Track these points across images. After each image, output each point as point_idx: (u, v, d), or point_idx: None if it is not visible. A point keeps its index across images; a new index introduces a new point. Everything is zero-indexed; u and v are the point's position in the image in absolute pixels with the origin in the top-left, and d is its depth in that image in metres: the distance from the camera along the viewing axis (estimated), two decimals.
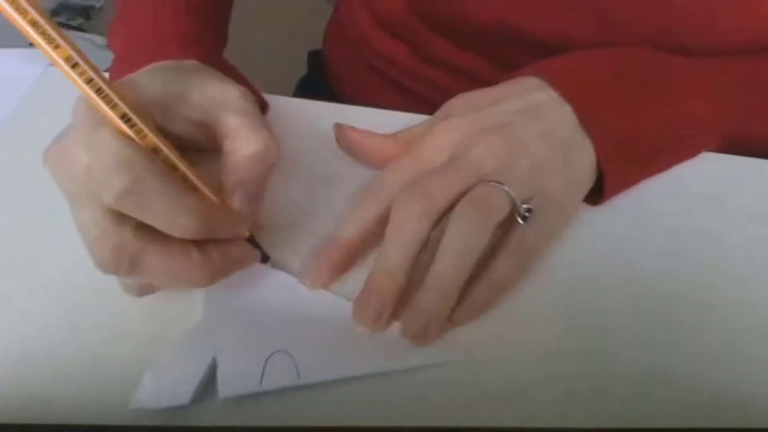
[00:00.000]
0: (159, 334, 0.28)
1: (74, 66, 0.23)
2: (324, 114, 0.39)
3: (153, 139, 0.25)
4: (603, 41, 0.38)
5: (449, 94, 0.49)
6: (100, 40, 1.38)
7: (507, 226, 0.30)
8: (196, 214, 0.25)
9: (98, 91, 0.24)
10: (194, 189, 0.27)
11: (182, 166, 0.26)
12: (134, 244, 0.25)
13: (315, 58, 0.65)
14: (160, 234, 0.25)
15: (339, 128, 0.35)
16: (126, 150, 0.24)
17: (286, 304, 0.29)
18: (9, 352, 0.28)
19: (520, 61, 0.42)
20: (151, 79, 0.29)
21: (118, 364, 0.28)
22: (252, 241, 0.29)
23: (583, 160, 0.33)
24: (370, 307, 0.28)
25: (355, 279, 0.30)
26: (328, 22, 0.63)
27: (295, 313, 0.29)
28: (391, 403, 0.27)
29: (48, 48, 0.22)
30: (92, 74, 0.23)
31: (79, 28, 1.46)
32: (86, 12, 1.53)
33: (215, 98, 0.29)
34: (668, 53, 0.36)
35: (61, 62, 0.23)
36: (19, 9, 0.21)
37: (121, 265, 0.25)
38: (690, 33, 0.38)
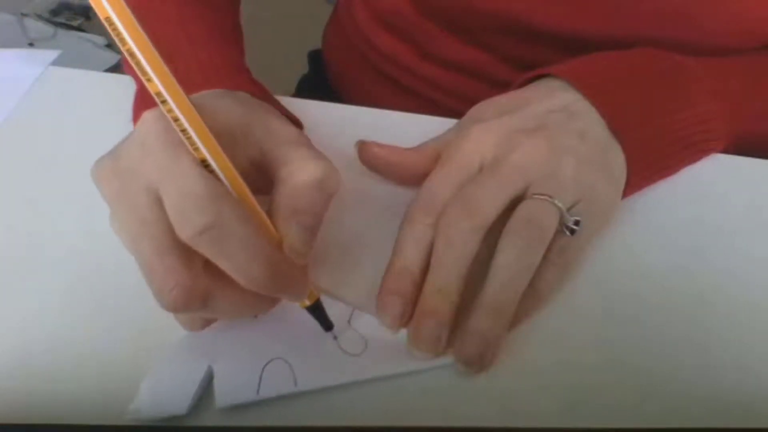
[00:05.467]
0: (159, 334, 0.28)
1: (163, 102, 0.22)
2: (324, 114, 0.39)
3: (229, 189, 0.24)
4: (608, 34, 0.38)
5: (450, 93, 0.49)
6: (100, 40, 1.38)
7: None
8: (269, 266, 0.23)
9: (183, 131, 0.23)
10: (270, 239, 0.25)
11: (261, 216, 0.25)
12: (206, 282, 0.23)
13: (315, 58, 0.65)
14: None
15: (363, 146, 0.34)
16: (209, 183, 0.22)
17: (282, 310, 0.29)
18: (9, 352, 0.28)
19: (525, 55, 0.42)
20: (220, 104, 0.27)
21: (117, 364, 0.28)
22: (316, 307, 0.27)
23: (618, 159, 0.33)
24: (428, 331, 0.27)
25: (351, 281, 0.30)
26: (327, 22, 0.63)
27: (291, 320, 0.28)
28: (390, 404, 0.27)
29: (142, 79, 0.22)
30: (178, 113, 0.22)
31: (79, 28, 1.47)
32: (86, 12, 1.53)
33: (273, 132, 0.27)
34: (680, 54, 0.36)
35: (153, 95, 0.22)
36: (119, 38, 0.21)
37: (192, 304, 0.23)
38: (681, 28, 0.38)
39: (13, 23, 1.40)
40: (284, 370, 0.27)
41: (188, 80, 0.33)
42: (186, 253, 0.23)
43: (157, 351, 0.27)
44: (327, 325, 0.28)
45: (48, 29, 1.40)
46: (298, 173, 0.25)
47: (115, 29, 0.21)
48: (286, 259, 0.25)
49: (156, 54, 0.21)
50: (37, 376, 0.27)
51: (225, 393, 0.26)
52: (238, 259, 0.23)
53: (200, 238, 0.22)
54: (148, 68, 0.21)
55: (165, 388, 0.26)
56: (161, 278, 0.23)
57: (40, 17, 1.46)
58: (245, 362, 0.27)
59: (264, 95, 0.34)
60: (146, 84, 0.22)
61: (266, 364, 0.27)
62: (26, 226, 0.33)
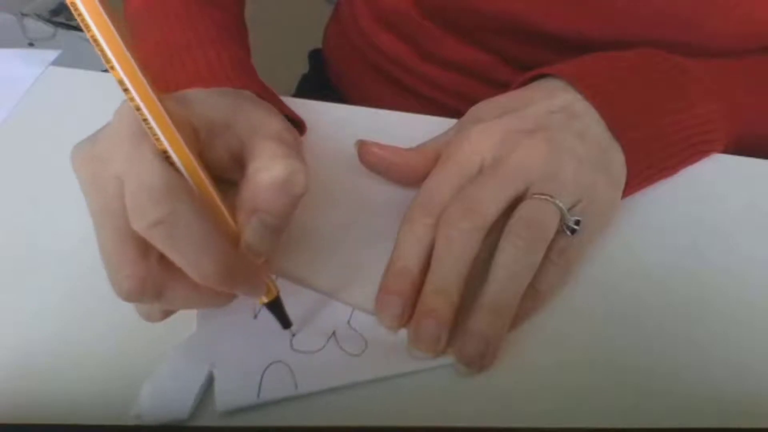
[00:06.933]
0: (159, 333, 0.28)
1: (125, 91, 0.22)
2: (324, 114, 0.39)
3: (189, 182, 0.24)
4: (609, 36, 0.38)
5: (451, 93, 0.49)
6: None
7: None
8: (220, 263, 0.23)
9: (144, 121, 0.23)
10: (225, 233, 0.25)
11: (220, 210, 0.25)
12: (160, 274, 0.23)
13: (316, 57, 0.65)
14: None
15: (363, 145, 0.34)
16: (167, 176, 0.22)
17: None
18: (9, 352, 0.28)
19: (526, 56, 0.42)
20: (207, 98, 0.27)
21: (117, 364, 0.28)
22: (275, 305, 0.27)
23: (618, 159, 0.33)
24: (428, 331, 0.27)
25: (352, 281, 0.30)
26: (328, 22, 0.63)
27: (291, 320, 0.28)
28: (390, 404, 0.27)
29: (107, 66, 0.22)
30: (140, 103, 0.22)
31: (79, 28, 1.46)
32: None
33: (254, 126, 0.27)
34: (681, 55, 0.36)
35: (117, 83, 0.22)
36: (83, 24, 0.21)
37: (145, 295, 0.23)
38: (682, 29, 0.38)
39: (13, 23, 1.39)
40: (284, 373, 0.27)
41: (197, 78, 0.34)
42: (143, 243, 0.23)
43: (157, 351, 0.27)
44: (285, 323, 0.28)
45: (48, 29, 1.40)
46: (263, 171, 0.25)
47: (80, 15, 0.21)
48: (240, 256, 0.25)
49: (120, 42, 0.21)
50: (37, 376, 0.27)
51: (226, 397, 0.26)
52: (189, 254, 0.23)
53: (152, 230, 0.22)
54: (111, 56, 0.21)
55: (166, 393, 0.26)
56: (116, 266, 0.23)
57: (40, 17, 1.46)
58: (246, 366, 0.27)
59: (269, 95, 0.34)
60: (110, 71, 0.22)
61: (266, 368, 0.27)
62: (26, 226, 0.33)
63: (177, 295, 0.24)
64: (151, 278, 0.23)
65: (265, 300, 0.27)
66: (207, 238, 0.23)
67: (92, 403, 0.27)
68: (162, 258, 0.23)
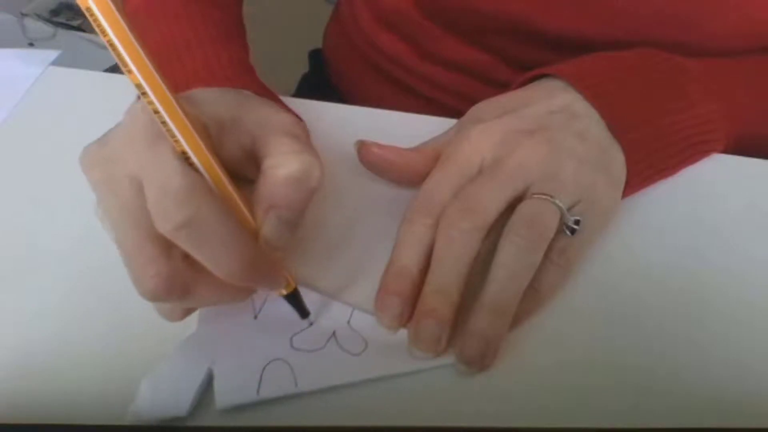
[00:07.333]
0: (159, 333, 0.28)
1: (143, 94, 0.22)
2: (324, 114, 0.39)
3: (209, 181, 0.24)
4: (609, 36, 0.38)
5: (451, 92, 0.49)
6: (100, 40, 1.37)
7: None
8: (244, 261, 0.23)
9: (163, 123, 0.23)
10: (247, 230, 0.25)
11: (240, 208, 0.25)
12: (187, 273, 0.23)
13: (316, 57, 0.65)
14: None
15: (363, 145, 0.34)
16: (189, 178, 0.23)
17: (282, 310, 0.29)
18: (9, 352, 0.28)
19: (526, 56, 0.42)
20: (210, 96, 0.28)
21: (117, 364, 0.28)
22: (293, 296, 0.28)
23: (618, 159, 0.33)
24: (428, 331, 0.27)
25: (352, 281, 0.30)
26: (328, 21, 0.63)
27: (291, 320, 0.28)
28: (390, 404, 0.27)
29: (123, 70, 0.22)
30: (158, 105, 0.22)
31: (79, 28, 1.46)
32: None
33: (264, 122, 0.27)
34: (682, 56, 0.36)
35: (135, 87, 0.22)
36: (99, 29, 0.21)
37: (172, 294, 0.23)
38: (681, 30, 0.38)
39: (13, 23, 1.39)
40: (284, 370, 0.27)
41: (196, 78, 0.34)
42: (166, 242, 0.23)
43: (157, 351, 0.27)
44: (303, 312, 0.28)
45: (48, 29, 1.40)
46: (278, 167, 0.25)
47: (95, 20, 0.20)
48: (262, 252, 0.25)
49: (136, 46, 0.21)
50: (37, 376, 0.27)
51: (225, 394, 0.26)
52: (214, 254, 0.23)
53: (178, 233, 0.22)
54: (128, 60, 0.21)
55: (165, 390, 0.26)
56: (141, 267, 0.23)
57: (40, 17, 1.46)
58: (245, 363, 0.27)
59: (268, 95, 0.34)
60: (127, 75, 0.22)
61: (266, 365, 0.27)
62: (26, 226, 0.33)
63: (202, 292, 0.24)
64: (177, 276, 0.23)
65: (284, 292, 0.27)
66: (231, 237, 0.23)
67: (92, 403, 0.27)
68: (186, 256, 0.23)
